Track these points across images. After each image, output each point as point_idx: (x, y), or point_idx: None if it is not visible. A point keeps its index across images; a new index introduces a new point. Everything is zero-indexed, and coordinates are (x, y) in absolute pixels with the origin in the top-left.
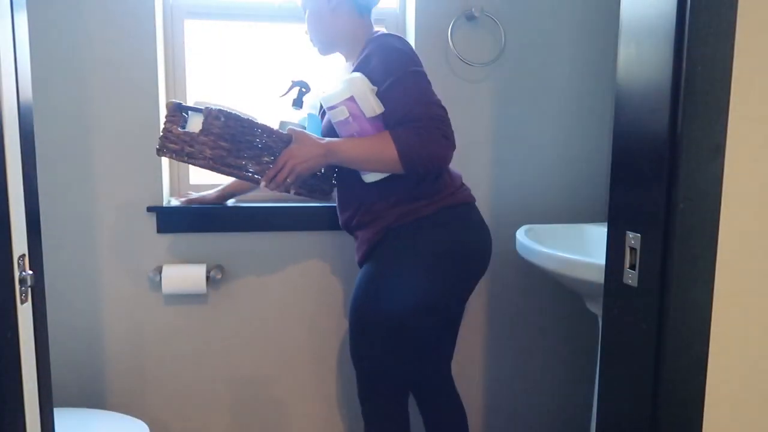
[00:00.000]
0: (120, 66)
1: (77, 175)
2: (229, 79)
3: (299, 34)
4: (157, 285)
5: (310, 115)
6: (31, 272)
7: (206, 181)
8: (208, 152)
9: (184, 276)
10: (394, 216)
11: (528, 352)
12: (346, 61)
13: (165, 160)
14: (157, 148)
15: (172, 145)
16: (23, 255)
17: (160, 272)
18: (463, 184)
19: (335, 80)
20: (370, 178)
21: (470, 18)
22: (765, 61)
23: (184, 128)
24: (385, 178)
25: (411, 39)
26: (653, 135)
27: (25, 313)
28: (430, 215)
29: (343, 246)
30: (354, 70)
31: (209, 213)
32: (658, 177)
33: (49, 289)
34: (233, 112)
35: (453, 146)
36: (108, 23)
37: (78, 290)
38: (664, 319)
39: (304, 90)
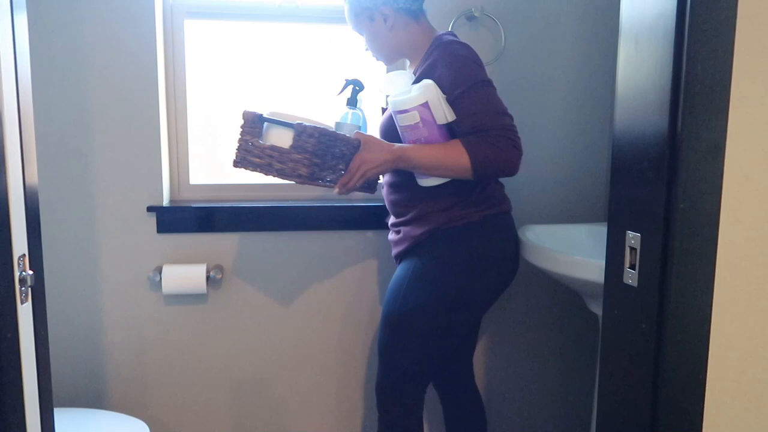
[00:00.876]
0: (120, 66)
1: (77, 175)
2: (229, 80)
3: (298, 33)
4: (157, 285)
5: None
6: (31, 272)
7: (206, 181)
8: (304, 170)
9: (184, 276)
10: (443, 219)
11: (528, 352)
12: (410, 64)
13: (165, 160)
14: (235, 161)
15: (255, 159)
16: (23, 255)
17: (160, 272)
18: (504, 194)
19: (400, 85)
20: (428, 182)
21: (470, 18)
22: (765, 61)
23: (262, 141)
24: (444, 184)
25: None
26: (653, 135)
27: (25, 313)
28: (477, 221)
29: (344, 246)
30: (419, 77)
31: (209, 213)
32: (658, 177)
33: (49, 289)
34: (322, 126)
35: (520, 153)
36: (108, 23)
37: (78, 290)
38: (664, 319)
39: (357, 88)
